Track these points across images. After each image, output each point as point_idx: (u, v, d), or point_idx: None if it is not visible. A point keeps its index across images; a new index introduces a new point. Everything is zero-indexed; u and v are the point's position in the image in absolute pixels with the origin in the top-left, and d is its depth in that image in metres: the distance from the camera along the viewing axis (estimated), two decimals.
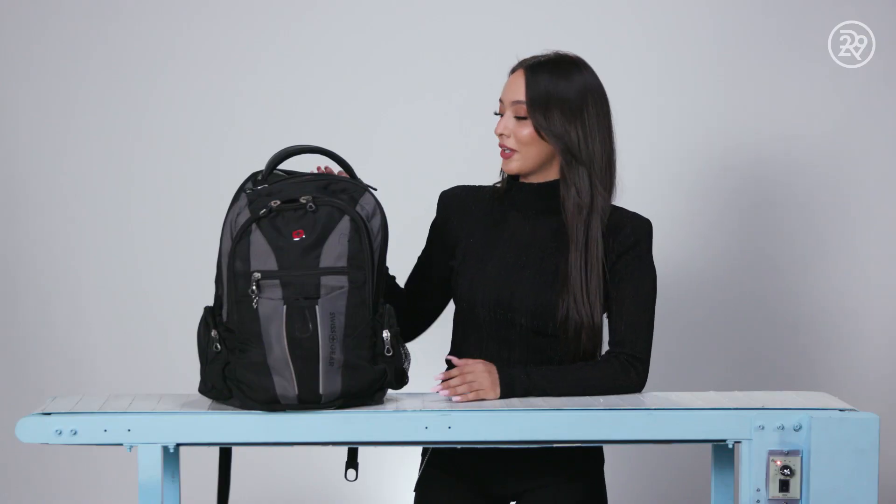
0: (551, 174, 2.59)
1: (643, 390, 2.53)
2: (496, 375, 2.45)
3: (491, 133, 2.62)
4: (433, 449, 2.61)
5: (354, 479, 2.52)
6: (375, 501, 3.95)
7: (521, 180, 2.62)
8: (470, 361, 2.46)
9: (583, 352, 2.54)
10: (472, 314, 2.59)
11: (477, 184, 2.69)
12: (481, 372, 2.44)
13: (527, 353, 2.56)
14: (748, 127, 3.95)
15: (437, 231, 2.66)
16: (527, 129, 2.55)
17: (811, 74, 3.93)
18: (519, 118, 2.55)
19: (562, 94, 2.54)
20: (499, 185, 2.66)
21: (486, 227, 2.61)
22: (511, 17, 3.97)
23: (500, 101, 2.59)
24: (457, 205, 2.65)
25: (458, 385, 2.42)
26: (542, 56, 2.59)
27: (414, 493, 2.67)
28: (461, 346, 2.63)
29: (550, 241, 2.57)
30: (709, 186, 3.96)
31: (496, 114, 2.61)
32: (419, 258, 2.69)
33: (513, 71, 2.60)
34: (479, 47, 3.94)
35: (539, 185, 2.60)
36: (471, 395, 2.42)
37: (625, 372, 2.50)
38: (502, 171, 2.64)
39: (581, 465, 2.60)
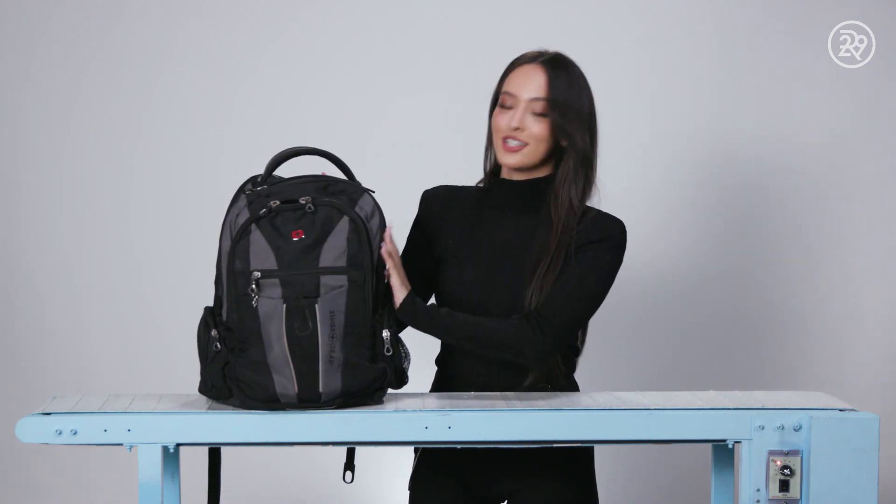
0: (539, 172, 2.58)
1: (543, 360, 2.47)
2: (406, 293, 2.41)
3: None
4: (424, 447, 2.60)
5: (351, 482, 2.52)
6: (374, 501, 3.94)
7: (506, 177, 2.60)
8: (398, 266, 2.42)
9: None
10: None
11: (470, 184, 2.67)
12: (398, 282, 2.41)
13: None
14: (748, 127, 3.95)
15: (419, 228, 2.64)
16: (543, 126, 2.53)
17: (811, 74, 3.92)
18: (537, 114, 2.53)
19: (577, 96, 2.54)
20: (481, 185, 2.64)
21: (465, 228, 2.60)
22: (511, 16, 3.97)
23: (510, 93, 2.54)
24: (439, 204, 2.64)
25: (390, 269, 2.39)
26: (550, 54, 2.57)
27: (408, 491, 2.67)
28: (445, 347, 2.63)
29: (527, 239, 2.55)
30: (709, 186, 3.96)
31: (503, 106, 2.56)
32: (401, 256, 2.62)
33: (521, 64, 2.56)
34: (479, 47, 3.94)
35: (523, 182, 2.58)
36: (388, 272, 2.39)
37: (531, 329, 2.44)
38: (487, 170, 2.62)
39: (571, 464, 2.59)
